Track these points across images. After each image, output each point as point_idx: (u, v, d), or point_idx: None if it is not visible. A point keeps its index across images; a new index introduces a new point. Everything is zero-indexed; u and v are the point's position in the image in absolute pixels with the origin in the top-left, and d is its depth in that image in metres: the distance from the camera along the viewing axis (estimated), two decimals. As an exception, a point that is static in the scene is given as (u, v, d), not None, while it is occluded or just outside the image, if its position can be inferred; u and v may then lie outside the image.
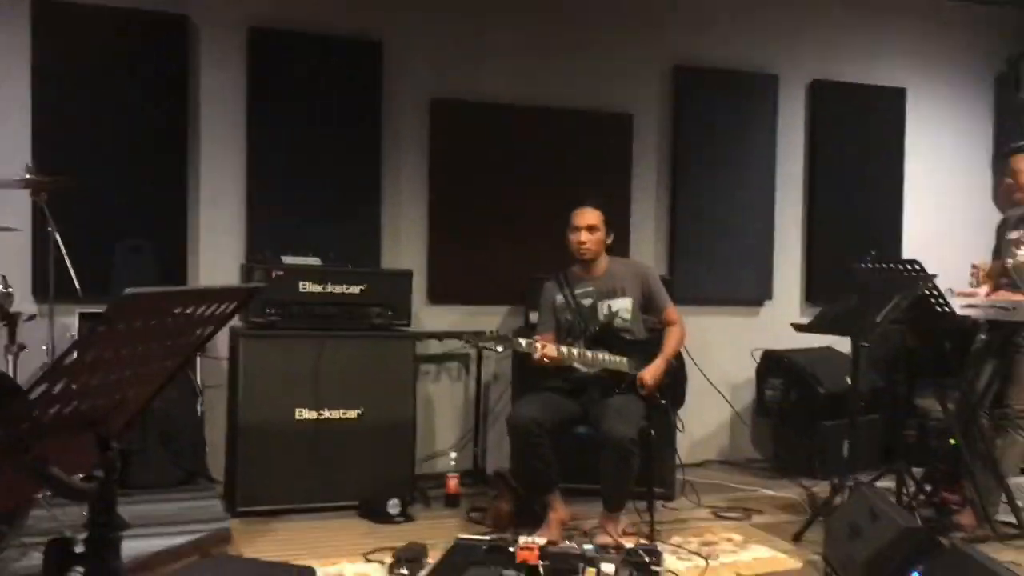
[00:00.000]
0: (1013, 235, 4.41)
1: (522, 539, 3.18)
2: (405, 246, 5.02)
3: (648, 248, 5.45)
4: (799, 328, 4.31)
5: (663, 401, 3.96)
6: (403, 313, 4.44)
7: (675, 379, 4.06)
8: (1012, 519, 4.02)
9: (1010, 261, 4.37)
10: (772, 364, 5.37)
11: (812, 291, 5.75)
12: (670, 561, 3.55)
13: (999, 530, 3.94)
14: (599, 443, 3.68)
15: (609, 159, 5.36)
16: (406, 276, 4.53)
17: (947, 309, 3.97)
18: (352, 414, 4.26)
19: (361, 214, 4.89)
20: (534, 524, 3.82)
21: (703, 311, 5.39)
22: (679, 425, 4.27)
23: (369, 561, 3.56)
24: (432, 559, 3.41)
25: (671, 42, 5.48)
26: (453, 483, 4.48)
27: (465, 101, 5.06)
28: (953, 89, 6.11)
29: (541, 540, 3.23)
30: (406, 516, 4.14)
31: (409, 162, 5.03)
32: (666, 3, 5.48)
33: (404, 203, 5.02)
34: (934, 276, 3.84)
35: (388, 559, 3.50)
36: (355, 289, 4.34)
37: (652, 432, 3.85)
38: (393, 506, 4.12)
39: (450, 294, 5.08)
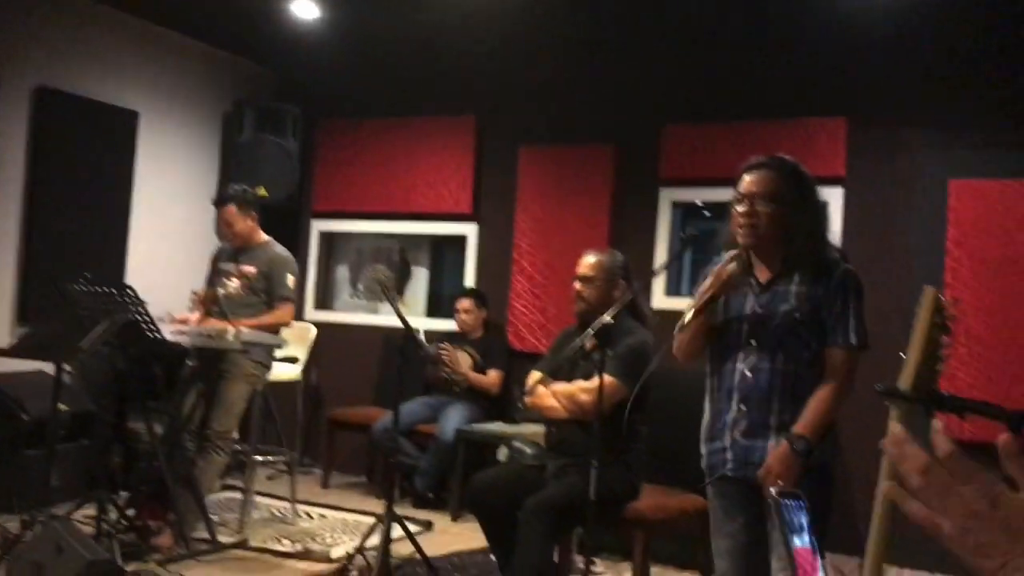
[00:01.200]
0: (226, 266, 4.71)
1: None
2: None
3: None
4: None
5: None
6: None
7: None
8: (208, 535, 4.24)
9: (221, 291, 4.65)
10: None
11: (26, 312, 5.33)
12: None
13: (194, 547, 4.11)
14: None
15: None
16: None
17: (157, 335, 4.03)
18: None
19: None
20: None
21: None
22: None
23: None
24: None
25: None
26: None
27: None
28: (186, 121, 6.32)
29: None
30: None
31: None
32: None
33: None
34: (145, 302, 3.86)
35: None
36: None
37: None
38: None
39: None
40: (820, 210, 2.60)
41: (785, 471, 2.35)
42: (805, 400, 2.45)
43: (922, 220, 4.89)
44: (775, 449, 2.42)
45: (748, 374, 2.50)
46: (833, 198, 5.13)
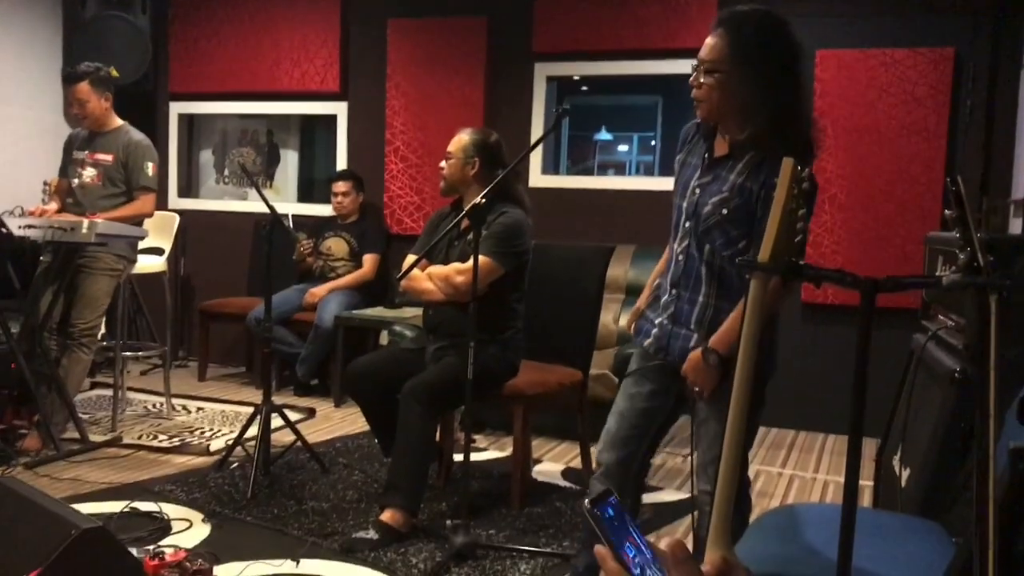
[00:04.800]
0: (79, 155, 4.40)
1: None
2: None
3: None
4: None
5: None
6: None
7: None
8: (78, 435, 4.11)
9: (76, 181, 4.37)
10: None
11: None
12: None
13: (64, 448, 3.97)
14: None
15: None
16: None
17: (3, 230, 3.77)
18: None
19: None
20: None
21: None
22: None
23: None
24: None
25: None
26: None
27: None
28: (20, 1, 5.80)
29: None
30: None
31: None
32: None
33: None
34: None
35: None
36: None
37: None
38: None
39: None
40: (788, 84, 2.16)
41: (699, 380, 2.24)
42: (736, 300, 2.22)
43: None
44: (691, 353, 2.27)
45: (680, 258, 2.33)
46: (705, 70, 5.13)
